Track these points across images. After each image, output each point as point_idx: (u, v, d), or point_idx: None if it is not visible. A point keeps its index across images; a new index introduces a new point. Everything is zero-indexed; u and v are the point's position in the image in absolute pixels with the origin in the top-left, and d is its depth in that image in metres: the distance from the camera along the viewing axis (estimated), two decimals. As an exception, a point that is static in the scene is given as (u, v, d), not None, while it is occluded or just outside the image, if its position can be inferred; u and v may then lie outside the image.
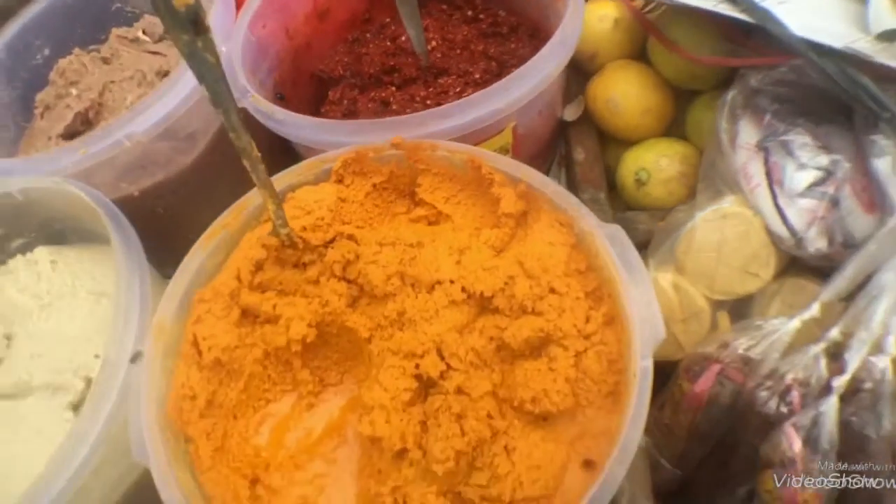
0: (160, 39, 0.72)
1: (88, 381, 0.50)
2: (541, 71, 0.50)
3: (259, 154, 0.38)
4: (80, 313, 0.55)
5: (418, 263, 0.42)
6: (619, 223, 0.57)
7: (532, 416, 0.39)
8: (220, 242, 0.48)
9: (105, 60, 0.71)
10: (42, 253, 0.58)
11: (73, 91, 0.68)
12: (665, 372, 0.47)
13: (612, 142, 0.64)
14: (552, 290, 0.40)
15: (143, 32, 0.72)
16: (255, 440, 0.44)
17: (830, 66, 0.45)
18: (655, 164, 0.58)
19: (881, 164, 0.43)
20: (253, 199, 0.49)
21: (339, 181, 0.49)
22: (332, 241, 0.46)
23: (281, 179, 0.49)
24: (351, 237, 0.46)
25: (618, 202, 0.62)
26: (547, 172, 0.68)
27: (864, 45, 0.46)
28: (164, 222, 0.66)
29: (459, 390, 0.38)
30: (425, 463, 0.37)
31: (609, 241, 0.42)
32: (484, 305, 0.42)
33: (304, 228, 0.46)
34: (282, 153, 0.61)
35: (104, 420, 0.42)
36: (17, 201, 0.58)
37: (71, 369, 0.51)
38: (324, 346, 0.45)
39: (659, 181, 0.57)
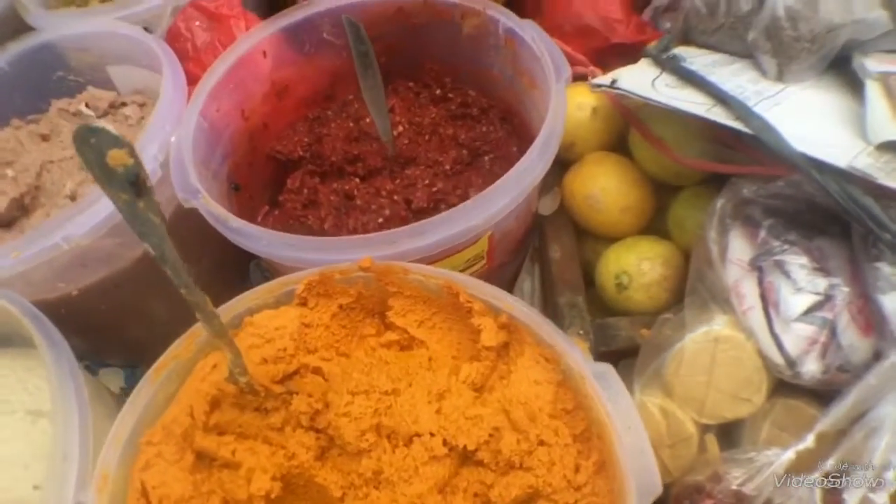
0: (104, 114, 0.67)
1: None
2: (522, 182, 0.48)
3: (213, 309, 0.35)
4: (17, 436, 0.49)
5: (395, 413, 0.39)
6: (599, 329, 0.56)
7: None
8: (171, 374, 0.44)
9: (44, 137, 0.66)
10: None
11: (9, 172, 0.63)
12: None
13: (589, 236, 0.62)
14: (541, 443, 0.38)
15: (87, 105, 0.68)
16: None
17: (832, 185, 0.44)
18: (637, 268, 0.56)
19: (888, 301, 0.41)
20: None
21: (303, 304, 0.45)
22: (296, 373, 0.42)
23: (239, 303, 0.45)
24: (317, 370, 0.43)
25: (596, 302, 0.60)
26: (519, 269, 0.66)
27: (867, 160, 0.45)
28: (107, 318, 0.62)
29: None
30: None
31: (598, 382, 0.39)
32: (467, 457, 0.39)
33: (265, 360, 0.42)
34: (238, 252, 0.57)
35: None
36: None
37: (9, 500, 0.46)
38: (291, 496, 0.41)
39: (640, 286, 0.55)
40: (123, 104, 0.68)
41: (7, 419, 0.51)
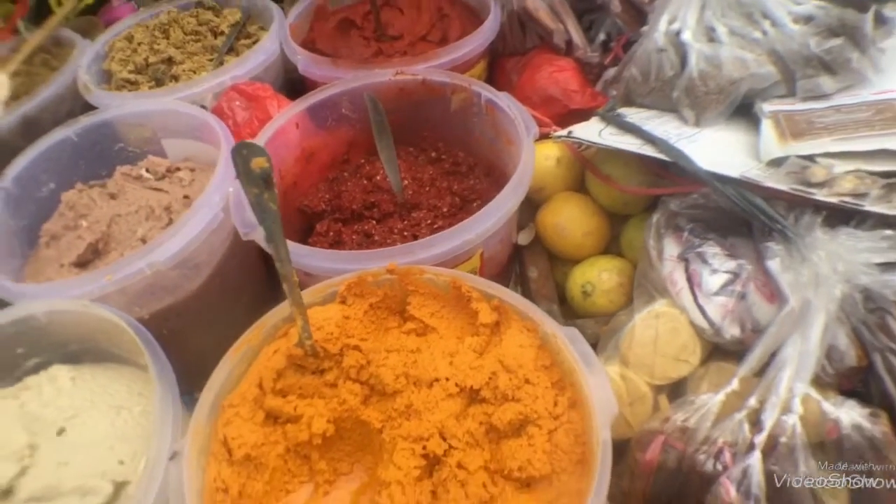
0: (162, 177, 0.84)
1: (116, 485, 0.58)
2: (502, 208, 0.64)
3: (297, 281, 0.50)
4: (102, 425, 0.62)
5: (419, 366, 0.54)
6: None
7: (519, 483, 0.49)
8: (244, 356, 0.58)
9: (112, 196, 0.82)
10: (61, 371, 0.66)
11: (84, 223, 0.79)
12: (620, 449, 0.58)
13: (559, 261, 0.78)
14: (527, 381, 0.52)
15: (147, 171, 0.84)
16: (280, 526, 0.53)
17: (730, 192, 0.61)
18: (598, 278, 0.72)
19: (773, 265, 0.57)
20: (270, 319, 0.60)
21: (343, 302, 0.60)
22: (341, 351, 0.57)
23: (295, 300, 0.60)
24: (356, 348, 0.57)
25: (568, 312, 0.75)
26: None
27: (756, 172, 0.62)
28: (167, 342, 0.75)
29: (460, 465, 0.49)
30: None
31: (568, 340, 0.54)
32: (473, 397, 0.53)
33: (317, 341, 0.57)
34: (272, 289, 0.72)
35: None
36: (41, 323, 0.67)
37: (98, 474, 0.58)
38: (339, 440, 0.55)
39: (602, 292, 0.71)
40: (178, 169, 0.84)
41: (94, 413, 0.64)
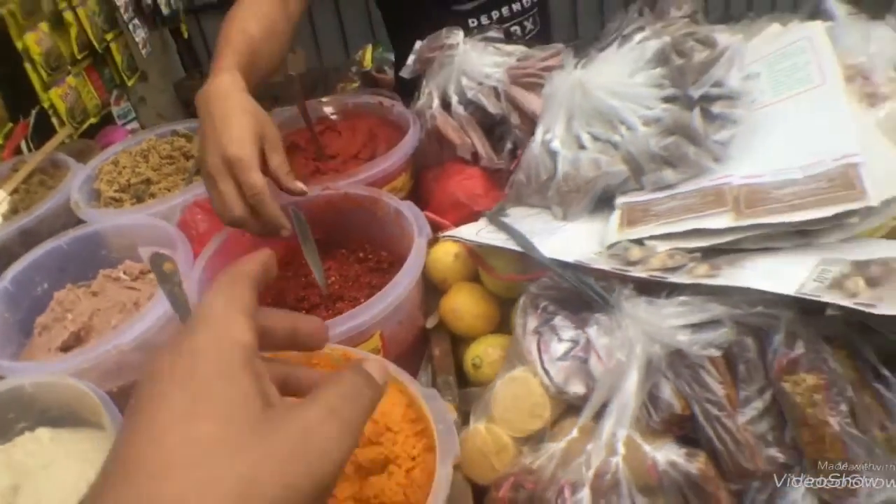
0: (136, 278, 1.02)
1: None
2: (388, 297, 0.81)
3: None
4: (72, 471, 0.77)
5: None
6: (463, 396, 0.85)
7: (378, 512, 0.63)
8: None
9: (94, 293, 1.00)
10: (44, 432, 0.82)
11: (69, 316, 0.96)
12: (486, 490, 0.73)
13: (460, 340, 0.93)
14: (388, 429, 0.67)
15: (124, 273, 1.02)
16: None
17: (568, 274, 0.76)
18: (485, 353, 0.87)
19: (591, 331, 0.72)
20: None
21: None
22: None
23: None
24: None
25: (464, 382, 0.90)
26: (418, 367, 0.97)
27: (590, 256, 0.78)
28: (130, 415, 0.91)
29: (333, 496, 0.63)
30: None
31: (426, 399, 0.69)
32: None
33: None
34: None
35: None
36: (27, 392, 0.83)
37: (67, 507, 0.73)
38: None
39: (488, 364, 0.86)
40: (149, 271, 1.02)
41: (66, 462, 0.78)
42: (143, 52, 2.16)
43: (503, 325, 0.92)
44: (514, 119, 1.07)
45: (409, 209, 0.93)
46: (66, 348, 0.93)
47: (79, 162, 1.28)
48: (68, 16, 1.88)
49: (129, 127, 2.09)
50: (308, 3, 1.22)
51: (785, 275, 0.69)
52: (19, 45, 1.75)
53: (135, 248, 1.07)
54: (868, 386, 0.65)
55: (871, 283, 0.62)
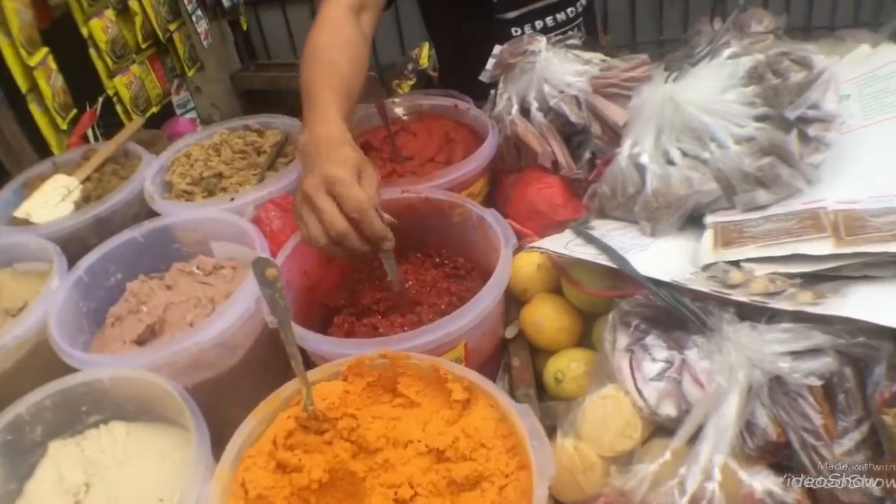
0: (209, 273, 1.03)
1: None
2: (478, 307, 0.80)
3: (301, 358, 0.66)
4: (147, 469, 0.79)
5: (398, 430, 0.69)
6: (545, 410, 0.85)
7: (472, 528, 0.63)
8: (262, 418, 0.74)
9: (168, 287, 1.01)
10: (118, 426, 0.84)
11: (144, 308, 0.98)
12: (569, 510, 0.72)
13: (539, 352, 0.93)
14: (482, 445, 0.67)
15: (197, 267, 1.04)
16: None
17: (663, 293, 0.75)
18: (568, 367, 0.86)
19: (691, 354, 0.71)
20: (285, 391, 0.76)
21: (345, 379, 0.77)
22: (340, 417, 0.73)
23: (308, 376, 0.77)
24: (352, 415, 0.73)
25: (545, 395, 0.90)
26: (495, 376, 0.97)
27: (687, 276, 0.77)
28: (204, 407, 0.91)
29: (426, 511, 0.63)
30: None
31: (520, 415, 0.69)
32: (439, 456, 0.68)
33: (320, 409, 0.72)
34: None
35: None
36: (104, 386, 0.85)
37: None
38: (332, 487, 0.69)
39: (570, 379, 0.86)
40: (222, 267, 1.03)
41: (142, 459, 0.80)
42: (205, 43, 2.19)
43: (584, 340, 0.92)
44: (595, 129, 1.07)
45: (493, 217, 0.93)
46: (141, 342, 0.94)
47: (149, 152, 1.30)
48: (134, 4, 1.91)
49: (188, 116, 2.12)
50: (377, 21, 1.22)
51: (887, 305, 0.68)
52: (84, 32, 1.79)
53: (207, 242, 1.09)
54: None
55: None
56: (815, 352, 0.67)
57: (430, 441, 0.68)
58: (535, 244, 0.89)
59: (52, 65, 1.65)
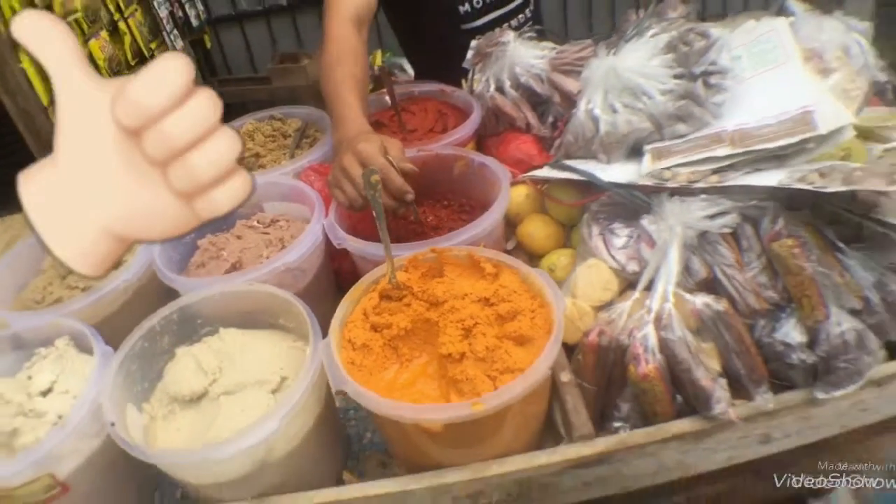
0: (269, 226, 1.37)
1: (281, 378, 1.07)
2: (491, 217, 1.18)
3: (388, 238, 1.03)
4: (266, 351, 1.12)
5: (455, 287, 1.06)
6: (543, 292, 1.23)
7: (516, 342, 1.00)
8: (352, 297, 1.09)
9: (238, 237, 1.35)
10: (230, 331, 1.16)
11: (223, 254, 1.31)
12: (573, 347, 1.10)
13: (534, 256, 1.31)
14: (514, 292, 1.04)
15: (258, 221, 1.38)
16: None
17: (621, 191, 1.15)
18: (558, 261, 1.24)
19: (644, 222, 1.10)
20: (363, 282, 1.11)
21: (406, 270, 1.12)
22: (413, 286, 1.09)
23: (377, 271, 1.12)
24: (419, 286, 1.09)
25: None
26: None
27: (635, 178, 1.17)
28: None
29: (483, 333, 1.00)
30: (473, 358, 0.97)
31: (538, 275, 1.07)
32: (486, 302, 1.05)
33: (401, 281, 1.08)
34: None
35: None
36: (216, 299, 1.18)
37: (268, 374, 1.08)
38: (413, 335, 1.05)
39: (561, 268, 1.24)
40: (277, 220, 1.38)
41: (260, 344, 1.13)
42: (178, 59, 2.49)
43: (567, 244, 1.31)
44: (556, 98, 1.47)
45: (492, 163, 1.31)
46: (228, 273, 1.27)
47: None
48: (122, 25, 2.22)
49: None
50: (369, 28, 1.59)
51: (769, 178, 1.09)
52: (85, 52, 2.07)
53: (260, 203, 1.43)
54: (829, 251, 1.05)
55: (822, 176, 1.02)
56: (724, 213, 1.08)
57: (478, 293, 1.05)
58: (527, 174, 1.28)
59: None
